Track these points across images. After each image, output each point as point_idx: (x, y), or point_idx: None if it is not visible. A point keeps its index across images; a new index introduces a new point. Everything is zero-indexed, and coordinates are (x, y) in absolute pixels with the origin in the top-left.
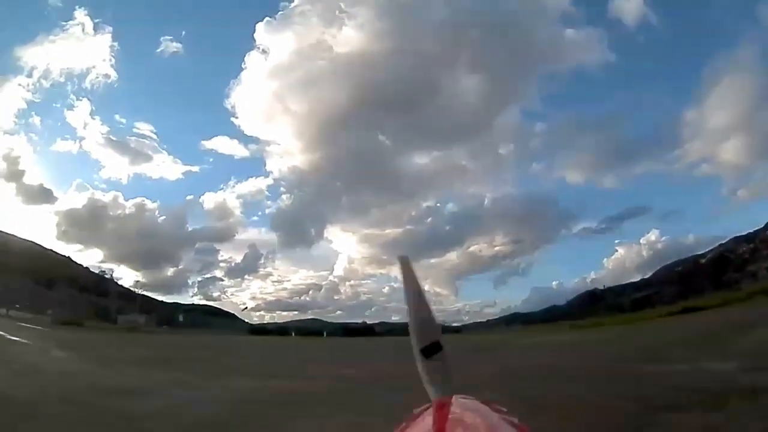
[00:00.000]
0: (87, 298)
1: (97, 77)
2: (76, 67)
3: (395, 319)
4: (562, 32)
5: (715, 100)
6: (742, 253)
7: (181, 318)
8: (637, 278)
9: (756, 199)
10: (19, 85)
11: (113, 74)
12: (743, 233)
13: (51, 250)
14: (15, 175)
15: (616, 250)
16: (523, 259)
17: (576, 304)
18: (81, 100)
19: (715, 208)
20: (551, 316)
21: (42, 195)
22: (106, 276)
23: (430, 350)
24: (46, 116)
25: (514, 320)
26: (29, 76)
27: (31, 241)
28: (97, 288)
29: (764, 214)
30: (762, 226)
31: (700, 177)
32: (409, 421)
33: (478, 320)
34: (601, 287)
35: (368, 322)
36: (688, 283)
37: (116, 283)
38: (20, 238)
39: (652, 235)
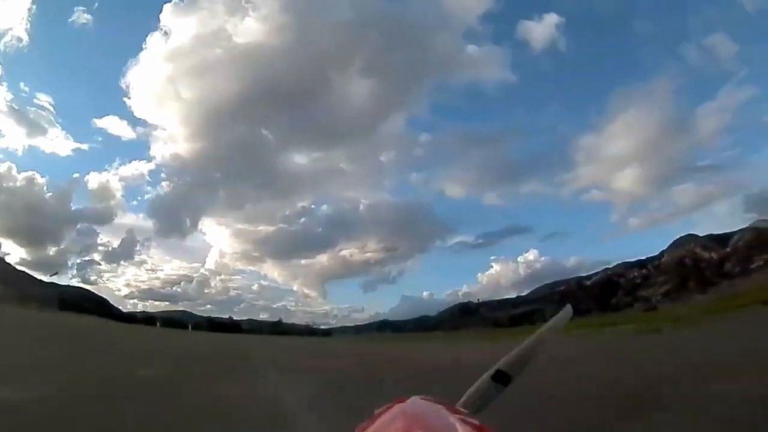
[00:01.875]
0: None
1: (11, 40)
2: None
3: (263, 316)
4: (463, 47)
5: (616, 128)
6: (632, 278)
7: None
8: (513, 294)
9: (649, 228)
10: None
11: (26, 38)
12: (632, 259)
13: None
14: None
15: (492, 266)
16: (394, 267)
17: (448, 316)
18: None
19: (602, 233)
20: (422, 325)
21: None
22: None
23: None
24: None
25: (384, 327)
26: None
27: None
28: None
29: (657, 242)
30: (656, 253)
31: (589, 202)
32: (370, 421)
33: (347, 324)
34: (476, 301)
35: (235, 318)
36: (572, 302)
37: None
38: None
39: (531, 255)
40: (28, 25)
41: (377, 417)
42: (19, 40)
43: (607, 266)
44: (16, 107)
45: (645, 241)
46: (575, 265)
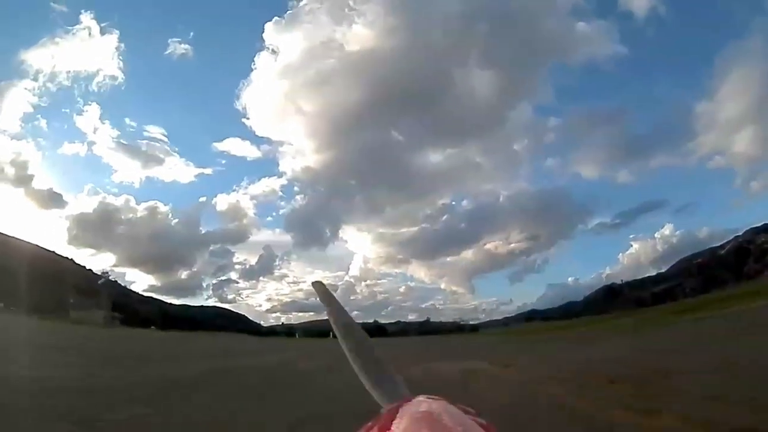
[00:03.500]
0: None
1: (104, 79)
2: (82, 69)
3: (411, 318)
4: (573, 25)
5: (725, 91)
6: (761, 244)
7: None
8: (653, 272)
9: None
10: (25, 89)
11: (120, 76)
12: (759, 224)
13: (53, 252)
14: (23, 179)
15: (631, 245)
16: (538, 256)
17: (593, 300)
18: (90, 104)
19: (728, 200)
20: (569, 312)
21: (52, 200)
22: (109, 278)
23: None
24: (54, 120)
25: (533, 317)
26: (35, 79)
27: (33, 244)
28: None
29: None
30: None
31: (713, 170)
32: (377, 421)
33: (495, 318)
34: (619, 282)
35: (381, 322)
36: (709, 275)
37: (120, 285)
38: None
39: (667, 230)
40: (120, 63)
41: (384, 417)
42: (113, 78)
43: (737, 234)
44: (125, 142)
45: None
46: (707, 236)
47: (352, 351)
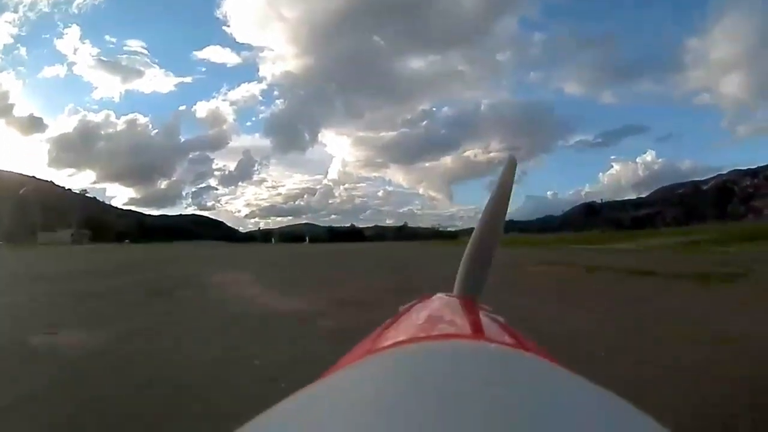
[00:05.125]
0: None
1: (84, 0)
2: None
3: (389, 222)
4: None
5: (718, 32)
6: (745, 187)
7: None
8: (633, 196)
9: (757, 136)
10: (5, 21)
11: None
12: (743, 167)
13: (33, 177)
14: (4, 110)
15: (612, 166)
16: (518, 167)
17: (571, 216)
18: (69, 26)
19: (713, 139)
20: (548, 225)
21: (33, 124)
22: (86, 195)
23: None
24: (34, 47)
25: (511, 228)
26: (15, 11)
27: (11, 172)
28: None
29: (765, 153)
30: (766, 163)
31: (699, 105)
32: (395, 318)
33: (473, 226)
34: (599, 201)
35: (359, 226)
36: (691, 207)
37: (98, 201)
38: None
39: (648, 156)
40: None
41: (402, 313)
42: None
43: (720, 173)
44: (105, 59)
45: (754, 151)
46: (689, 169)
47: (475, 237)
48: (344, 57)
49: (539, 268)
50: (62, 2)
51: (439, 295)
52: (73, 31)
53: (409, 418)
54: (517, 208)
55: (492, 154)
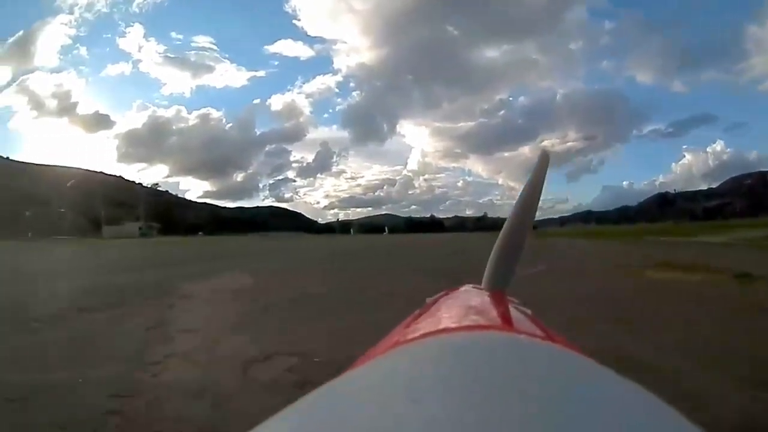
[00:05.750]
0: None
1: (144, 0)
2: None
3: (469, 213)
4: None
5: None
6: None
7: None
8: (704, 186)
9: None
10: (61, 23)
11: None
12: None
13: (101, 172)
14: (67, 108)
15: (684, 156)
16: (594, 157)
17: (647, 206)
18: (132, 25)
19: None
20: (624, 216)
21: (99, 122)
22: (159, 189)
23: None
24: (95, 46)
25: (589, 218)
26: (70, 13)
27: (77, 168)
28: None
29: None
30: None
31: (765, 93)
32: (423, 310)
33: (551, 216)
34: (672, 191)
35: (439, 217)
36: (759, 198)
37: (171, 194)
38: (62, 167)
39: (718, 146)
40: None
41: (430, 305)
42: None
43: None
44: (172, 55)
45: None
46: (756, 159)
47: (505, 230)
48: (418, 47)
49: (664, 275)
50: (121, 2)
51: (467, 286)
52: (136, 30)
53: (441, 409)
54: (594, 198)
55: (569, 144)
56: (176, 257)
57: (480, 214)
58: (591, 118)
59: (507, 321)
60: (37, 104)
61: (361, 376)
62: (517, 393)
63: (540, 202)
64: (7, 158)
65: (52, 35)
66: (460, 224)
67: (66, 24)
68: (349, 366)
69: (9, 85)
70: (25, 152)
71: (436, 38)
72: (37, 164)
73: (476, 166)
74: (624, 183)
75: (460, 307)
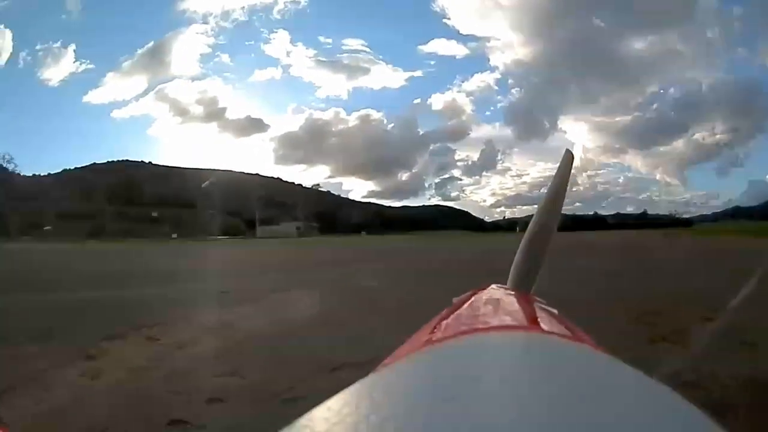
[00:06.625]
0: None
1: (285, 6)
2: (257, 2)
3: (629, 209)
4: None
5: None
6: None
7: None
8: None
9: None
10: (196, 33)
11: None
12: None
13: (257, 174)
14: (215, 114)
15: None
16: (741, 149)
17: None
18: (275, 31)
19: None
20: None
21: (252, 125)
22: (321, 190)
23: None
24: (238, 53)
25: (737, 215)
26: (205, 22)
27: (231, 171)
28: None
29: None
30: None
31: None
32: (450, 310)
33: (704, 212)
34: None
35: (602, 213)
36: None
37: (332, 195)
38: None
39: None
40: None
41: (458, 305)
42: (296, 2)
43: None
44: (323, 59)
45: None
46: None
47: (530, 230)
48: (569, 41)
49: None
50: (259, 10)
51: (493, 286)
52: (281, 36)
53: (476, 408)
54: (741, 192)
55: (718, 137)
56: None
57: (639, 210)
58: (734, 109)
59: (536, 321)
60: (181, 111)
61: (394, 374)
62: (550, 393)
63: (695, 198)
64: (150, 163)
65: (188, 44)
66: (622, 222)
67: (202, 33)
68: (379, 364)
69: (145, 93)
70: (170, 157)
71: (584, 31)
72: (183, 168)
73: (635, 161)
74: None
75: (488, 307)
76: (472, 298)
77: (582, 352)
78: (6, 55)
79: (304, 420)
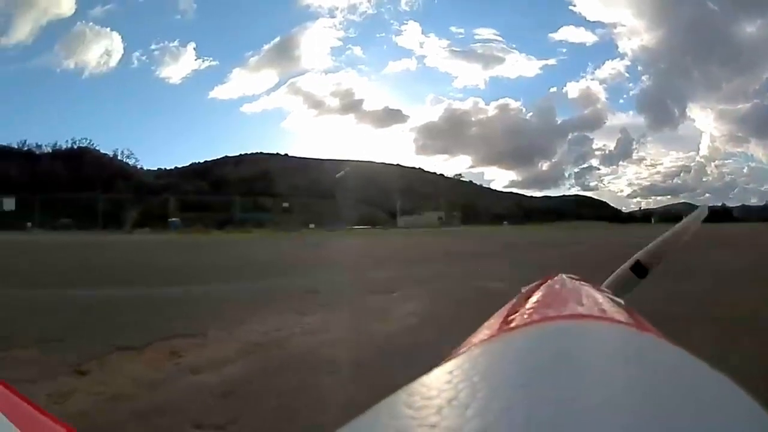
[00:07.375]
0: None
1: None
2: None
3: (753, 201)
4: None
5: None
6: None
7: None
8: None
9: None
10: (324, 27)
11: None
12: None
13: (397, 165)
14: (352, 105)
15: None
16: None
17: None
18: (405, 23)
19: None
20: None
21: (390, 116)
22: (463, 180)
23: (638, 269)
24: (369, 46)
25: None
26: (332, 16)
27: (371, 162)
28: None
29: None
30: None
31: None
32: (520, 298)
33: None
34: None
35: (729, 205)
36: None
37: (474, 185)
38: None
39: None
40: None
41: (527, 294)
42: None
43: None
44: (457, 49)
45: None
46: None
47: (654, 244)
48: (687, 26)
49: None
50: (387, 3)
51: (561, 275)
52: (412, 27)
53: (551, 396)
54: None
55: None
56: None
57: (762, 202)
58: None
59: (605, 311)
60: (316, 103)
61: (471, 361)
62: (622, 382)
63: None
64: (285, 155)
65: (317, 38)
66: (746, 215)
67: (331, 27)
68: (453, 352)
69: (276, 87)
70: (306, 149)
71: (701, 15)
72: (321, 159)
73: (757, 151)
74: None
75: (558, 296)
76: (542, 288)
77: (652, 344)
78: (117, 56)
79: (383, 405)
